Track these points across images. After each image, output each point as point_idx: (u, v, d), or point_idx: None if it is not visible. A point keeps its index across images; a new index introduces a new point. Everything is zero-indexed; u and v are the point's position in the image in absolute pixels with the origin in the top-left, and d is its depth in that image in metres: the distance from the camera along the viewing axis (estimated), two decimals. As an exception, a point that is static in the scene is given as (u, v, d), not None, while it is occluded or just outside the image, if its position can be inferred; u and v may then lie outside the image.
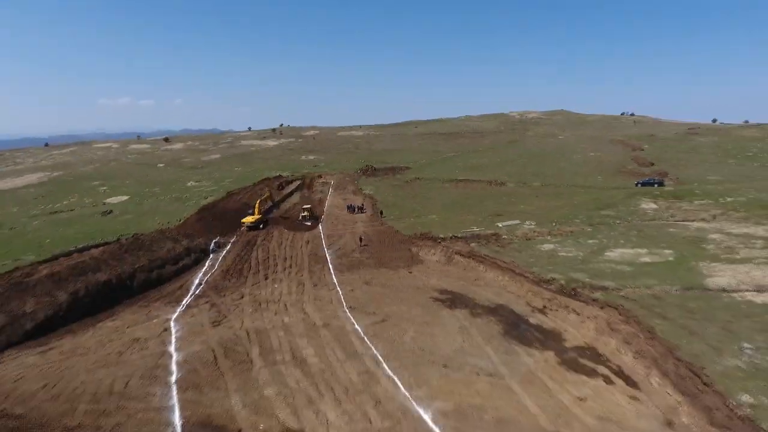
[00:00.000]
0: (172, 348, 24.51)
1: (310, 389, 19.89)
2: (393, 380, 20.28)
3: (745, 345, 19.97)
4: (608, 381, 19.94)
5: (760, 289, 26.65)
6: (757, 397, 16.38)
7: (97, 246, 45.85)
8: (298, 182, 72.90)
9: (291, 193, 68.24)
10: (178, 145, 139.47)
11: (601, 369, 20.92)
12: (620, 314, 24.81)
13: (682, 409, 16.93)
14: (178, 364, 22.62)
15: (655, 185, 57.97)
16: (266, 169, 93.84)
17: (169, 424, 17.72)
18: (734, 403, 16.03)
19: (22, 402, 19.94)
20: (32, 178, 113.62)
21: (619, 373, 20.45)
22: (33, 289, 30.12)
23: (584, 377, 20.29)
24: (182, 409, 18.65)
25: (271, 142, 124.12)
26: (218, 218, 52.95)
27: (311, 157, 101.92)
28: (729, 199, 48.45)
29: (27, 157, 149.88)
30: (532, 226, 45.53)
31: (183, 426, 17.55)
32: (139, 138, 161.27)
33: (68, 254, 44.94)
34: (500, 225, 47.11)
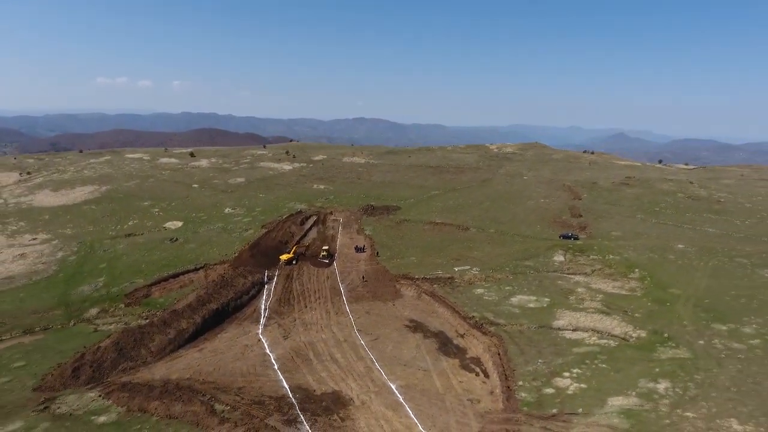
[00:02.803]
0: (268, 351, 48.11)
1: (341, 374, 43.56)
2: (380, 371, 44.01)
3: (540, 360, 43.76)
4: (477, 374, 43.86)
5: (575, 329, 50.41)
6: (525, 383, 40.16)
7: (184, 273, 69.26)
8: (315, 218, 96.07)
9: (310, 228, 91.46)
10: (203, 162, 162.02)
11: (477, 369, 44.85)
12: (497, 341, 48.58)
13: (498, 387, 40.77)
14: (275, 359, 46.22)
15: (572, 239, 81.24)
16: (286, 197, 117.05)
17: (284, 387, 41.28)
18: (514, 384, 39.88)
19: (207, 375, 43.51)
20: (84, 192, 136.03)
21: (484, 371, 44.39)
22: (182, 314, 53.59)
23: (467, 372, 44.20)
24: (287, 381, 42.25)
25: (286, 167, 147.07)
26: (263, 254, 76.16)
27: (322, 187, 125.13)
28: (611, 257, 72.06)
29: (68, 164, 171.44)
30: (476, 272, 69.15)
31: (290, 388, 41.10)
32: (166, 150, 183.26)
33: (166, 279, 68.48)
34: (456, 269, 70.73)
